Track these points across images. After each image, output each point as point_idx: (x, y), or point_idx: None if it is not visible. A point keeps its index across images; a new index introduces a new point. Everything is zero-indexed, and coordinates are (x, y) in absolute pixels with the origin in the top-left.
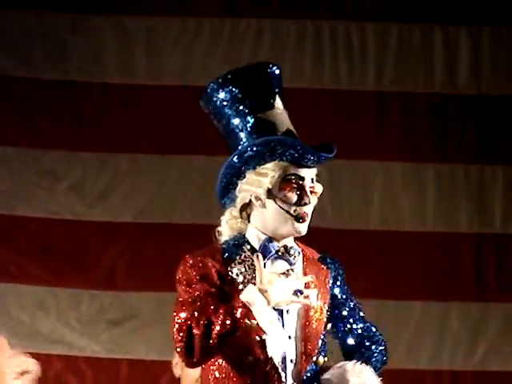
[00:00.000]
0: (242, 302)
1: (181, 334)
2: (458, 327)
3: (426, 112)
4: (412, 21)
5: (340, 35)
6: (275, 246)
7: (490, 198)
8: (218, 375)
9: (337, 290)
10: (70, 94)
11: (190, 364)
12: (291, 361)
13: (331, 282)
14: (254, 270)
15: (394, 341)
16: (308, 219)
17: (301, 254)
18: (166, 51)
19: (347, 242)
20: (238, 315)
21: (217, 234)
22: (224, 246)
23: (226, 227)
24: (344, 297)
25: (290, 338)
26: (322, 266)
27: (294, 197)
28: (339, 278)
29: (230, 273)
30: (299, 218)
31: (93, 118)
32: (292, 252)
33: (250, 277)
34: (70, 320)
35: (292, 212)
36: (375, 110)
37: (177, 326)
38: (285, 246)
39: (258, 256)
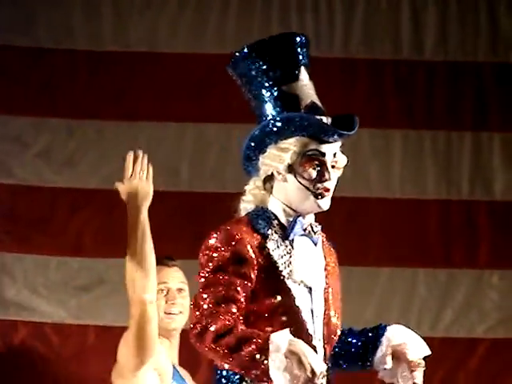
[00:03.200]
0: (269, 336)
1: (199, 324)
2: (425, 294)
3: (393, 78)
4: None
5: (307, 1)
6: (303, 223)
7: (457, 163)
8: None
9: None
10: (38, 60)
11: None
12: (319, 340)
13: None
14: (287, 247)
15: (361, 307)
16: (329, 194)
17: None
18: (133, 18)
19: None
20: (254, 346)
21: (241, 202)
22: (251, 218)
23: (250, 196)
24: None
25: (316, 316)
26: (330, 246)
27: (314, 173)
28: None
29: (265, 248)
30: (319, 195)
31: (61, 84)
32: (315, 230)
33: (284, 253)
34: (37, 286)
35: (312, 188)
36: (342, 77)
37: (200, 312)
38: (310, 224)
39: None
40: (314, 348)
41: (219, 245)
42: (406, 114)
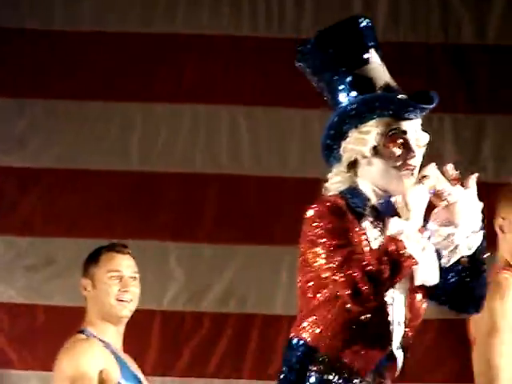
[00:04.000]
0: (389, 236)
1: (348, 285)
2: None
3: None
4: None
5: None
6: (394, 204)
7: None
8: (322, 326)
9: None
10: None
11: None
12: (399, 323)
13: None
14: (380, 228)
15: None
16: (415, 173)
17: None
18: None
19: (267, 189)
20: (391, 249)
21: (328, 185)
22: (344, 197)
23: (339, 177)
24: None
25: (400, 300)
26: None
27: (398, 151)
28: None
29: (362, 227)
30: (405, 173)
31: (10, 63)
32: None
33: (377, 234)
34: None
35: (398, 167)
36: (293, 57)
37: (343, 278)
38: (400, 203)
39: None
40: (390, 332)
41: (325, 213)
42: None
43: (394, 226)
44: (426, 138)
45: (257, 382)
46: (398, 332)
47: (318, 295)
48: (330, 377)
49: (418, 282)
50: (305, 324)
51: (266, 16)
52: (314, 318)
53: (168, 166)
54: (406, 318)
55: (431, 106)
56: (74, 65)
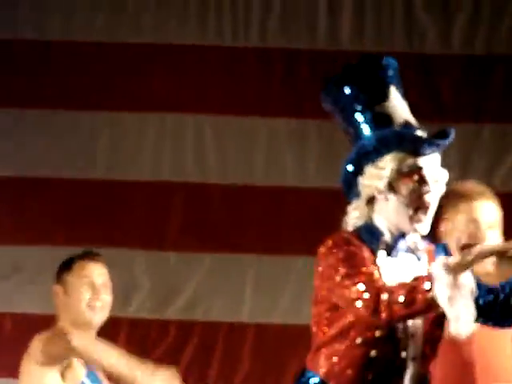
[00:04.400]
0: (428, 275)
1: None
2: None
3: (309, 68)
4: None
5: None
6: (407, 242)
7: None
8: (334, 360)
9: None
10: None
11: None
12: (413, 359)
13: None
14: (391, 262)
15: (276, 296)
16: (429, 213)
17: (426, 250)
18: (49, 5)
19: (232, 198)
20: (424, 288)
21: (347, 219)
22: (359, 232)
23: (357, 212)
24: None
25: (414, 335)
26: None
27: (413, 187)
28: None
29: (375, 261)
30: (420, 210)
31: None
32: (420, 247)
33: (390, 269)
34: None
35: (413, 204)
36: (259, 66)
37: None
38: (415, 242)
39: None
40: (403, 368)
41: (340, 243)
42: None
43: (434, 265)
44: (444, 174)
45: None
46: (411, 369)
47: (332, 328)
48: None
49: (451, 332)
50: (318, 357)
51: (232, 26)
52: (327, 352)
53: (134, 175)
54: (422, 354)
55: (447, 142)
56: (40, 73)
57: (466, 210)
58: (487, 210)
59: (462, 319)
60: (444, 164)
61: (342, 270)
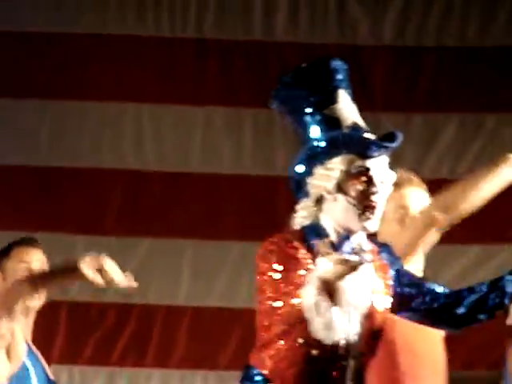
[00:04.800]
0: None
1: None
2: None
3: (245, 59)
4: None
5: None
6: (352, 243)
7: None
8: (278, 359)
9: (399, 277)
10: None
11: None
12: (354, 357)
13: (391, 275)
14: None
15: (212, 280)
16: (377, 212)
17: (371, 251)
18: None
19: (170, 184)
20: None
21: (294, 217)
22: (305, 232)
23: (304, 212)
24: (403, 277)
25: (355, 334)
26: (381, 259)
27: (361, 188)
28: (394, 265)
29: (315, 264)
30: (367, 210)
31: None
32: (365, 249)
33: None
34: None
35: (360, 204)
36: (195, 57)
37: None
38: (360, 244)
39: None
40: (344, 366)
41: (277, 247)
42: (257, 93)
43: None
44: (392, 176)
45: (159, 369)
46: (351, 367)
47: (274, 328)
48: None
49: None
50: (263, 355)
51: (170, 18)
52: (271, 351)
53: (75, 162)
54: (361, 352)
55: (394, 145)
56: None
57: (395, 198)
58: (416, 197)
59: (335, 327)
60: None
61: (274, 276)
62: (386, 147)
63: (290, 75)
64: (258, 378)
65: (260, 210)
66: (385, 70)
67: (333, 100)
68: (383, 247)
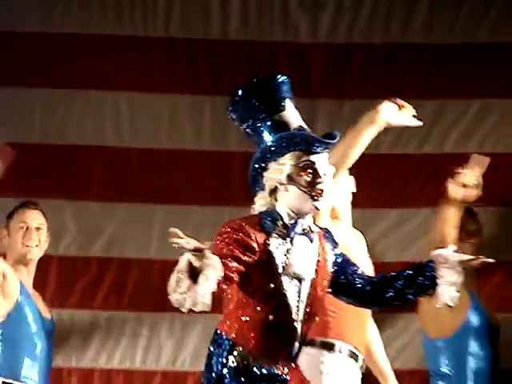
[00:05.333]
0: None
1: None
2: None
3: (205, 55)
4: None
5: None
6: (303, 224)
7: None
8: (241, 324)
9: (338, 260)
10: None
11: None
12: (300, 321)
13: (332, 256)
14: (286, 244)
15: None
16: (323, 196)
17: (316, 233)
18: None
19: (143, 158)
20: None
21: (254, 206)
22: (261, 217)
23: (262, 201)
24: (342, 261)
25: (302, 301)
26: (325, 240)
27: (308, 179)
28: (335, 249)
29: (268, 244)
30: (315, 196)
31: None
32: (313, 230)
33: (284, 249)
34: None
35: (309, 192)
36: (165, 53)
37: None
38: (309, 226)
39: None
40: (295, 328)
41: (230, 230)
42: (215, 82)
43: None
44: (332, 169)
45: (134, 312)
46: (299, 329)
47: (234, 300)
48: (248, 366)
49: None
50: (228, 322)
51: (143, 19)
52: (235, 317)
53: (63, 140)
54: (306, 316)
55: (333, 142)
56: None
57: None
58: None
59: (201, 294)
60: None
61: (220, 247)
62: (327, 144)
63: (245, 89)
64: (226, 342)
65: (216, 180)
66: (320, 63)
67: (281, 108)
68: (326, 232)
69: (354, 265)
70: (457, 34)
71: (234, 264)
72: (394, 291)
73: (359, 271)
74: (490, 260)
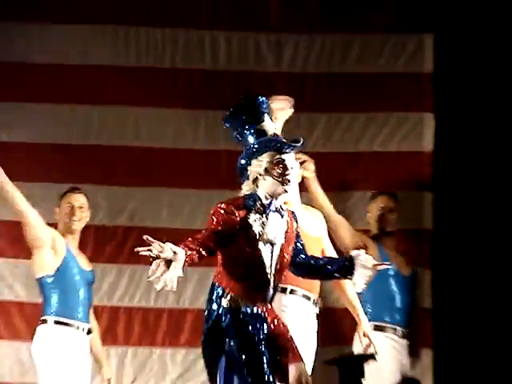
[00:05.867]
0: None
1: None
2: None
3: (200, 82)
4: None
5: None
6: (276, 204)
7: None
8: (228, 277)
9: (298, 234)
10: None
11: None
12: (272, 274)
13: (295, 230)
14: (263, 218)
15: (180, 215)
16: (290, 184)
17: (286, 211)
18: None
19: (155, 156)
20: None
21: (242, 190)
22: (245, 198)
23: (247, 187)
24: (297, 237)
25: (274, 260)
26: (293, 218)
27: (280, 171)
28: (298, 227)
29: (248, 218)
30: (284, 183)
31: None
32: (283, 208)
33: (260, 222)
34: None
35: (280, 181)
36: (170, 82)
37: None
38: (280, 205)
39: None
40: (268, 280)
41: (219, 210)
42: (208, 100)
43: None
44: (297, 165)
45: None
46: (272, 281)
47: (219, 256)
48: (237, 307)
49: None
50: (219, 276)
51: (153, 52)
52: (224, 271)
53: (99, 141)
54: (275, 270)
55: (298, 145)
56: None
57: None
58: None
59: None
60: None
61: (210, 222)
62: (294, 146)
63: (236, 107)
64: (219, 290)
65: (208, 171)
66: (284, 86)
67: (261, 120)
68: (293, 214)
69: (303, 245)
70: (382, 65)
71: (216, 236)
72: (325, 273)
73: (307, 255)
74: (388, 266)
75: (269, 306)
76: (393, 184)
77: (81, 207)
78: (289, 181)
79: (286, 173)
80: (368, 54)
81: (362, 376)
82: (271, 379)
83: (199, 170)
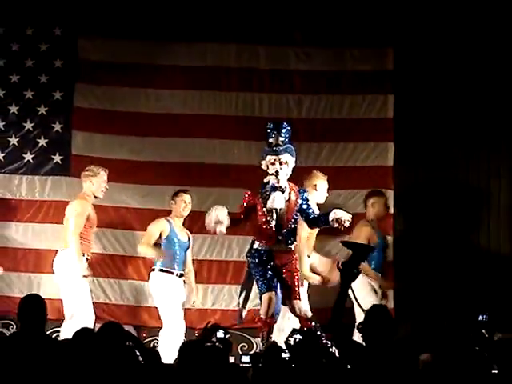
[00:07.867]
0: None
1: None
2: None
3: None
4: None
5: None
6: (276, 184)
7: None
8: (256, 229)
9: (304, 207)
10: None
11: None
12: (278, 231)
13: (300, 201)
14: (269, 195)
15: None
16: (280, 175)
17: (288, 189)
18: None
19: (192, 170)
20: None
21: (265, 179)
22: (261, 184)
23: (265, 179)
24: (306, 207)
25: (280, 219)
26: (298, 193)
27: (273, 168)
28: (305, 199)
29: (261, 197)
30: (276, 174)
31: None
32: (284, 188)
33: (268, 197)
34: None
35: (274, 173)
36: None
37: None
38: (280, 186)
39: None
40: (275, 232)
41: (246, 195)
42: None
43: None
44: (286, 164)
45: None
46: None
47: (253, 221)
48: (260, 248)
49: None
50: (252, 232)
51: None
52: (253, 230)
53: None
54: (280, 227)
55: (287, 149)
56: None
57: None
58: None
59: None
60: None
61: (243, 201)
62: (282, 152)
63: (270, 126)
64: (252, 241)
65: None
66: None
67: (272, 136)
68: (302, 190)
69: (308, 207)
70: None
71: (244, 209)
72: (317, 223)
73: (309, 210)
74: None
75: (284, 251)
76: (367, 186)
77: (190, 203)
78: (278, 173)
79: (277, 169)
80: (351, 107)
81: (363, 260)
82: (272, 283)
83: (216, 175)
